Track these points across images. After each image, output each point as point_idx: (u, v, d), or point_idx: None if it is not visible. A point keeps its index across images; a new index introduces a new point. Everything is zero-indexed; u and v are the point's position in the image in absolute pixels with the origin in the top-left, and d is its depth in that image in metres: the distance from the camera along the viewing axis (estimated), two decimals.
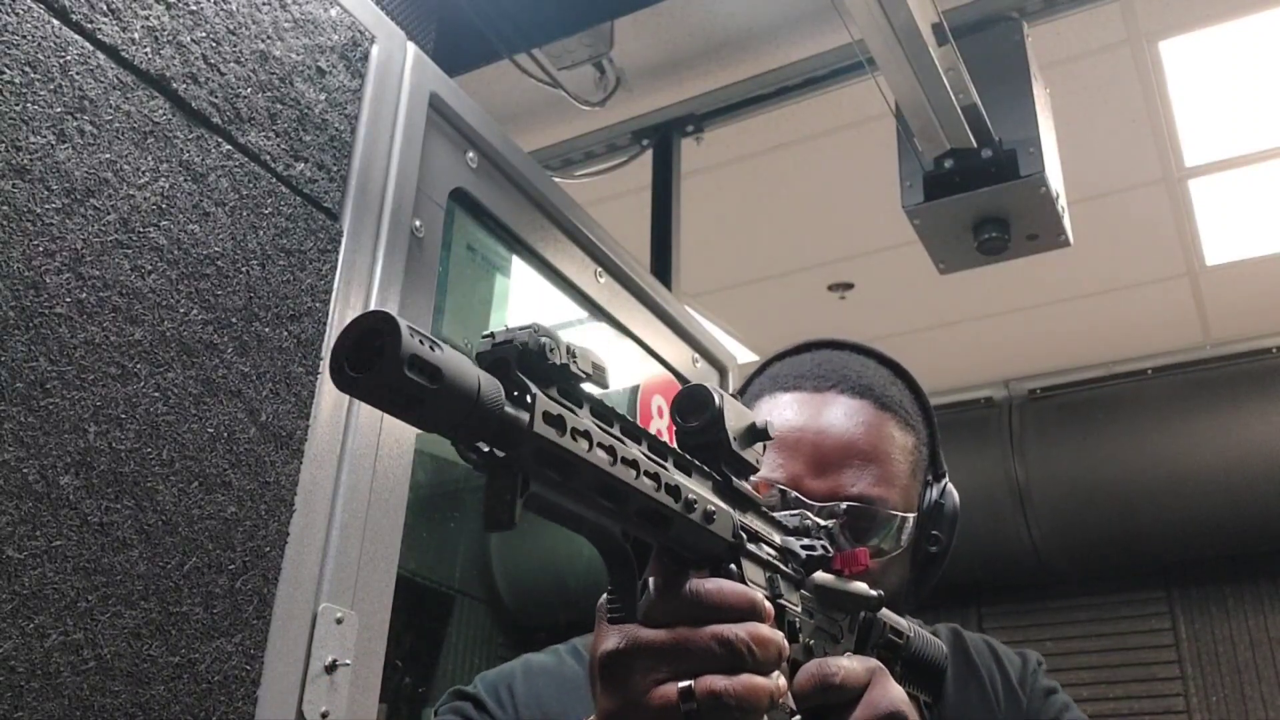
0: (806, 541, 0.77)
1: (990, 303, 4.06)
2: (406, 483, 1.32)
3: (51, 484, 0.92)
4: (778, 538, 0.75)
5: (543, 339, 0.53)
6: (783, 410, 1.02)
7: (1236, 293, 3.93)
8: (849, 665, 0.72)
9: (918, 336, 4.33)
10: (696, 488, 0.64)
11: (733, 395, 0.97)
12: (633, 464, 0.58)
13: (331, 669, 1.15)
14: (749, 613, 0.63)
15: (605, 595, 0.64)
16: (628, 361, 2.07)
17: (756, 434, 0.71)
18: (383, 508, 1.27)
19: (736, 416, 0.70)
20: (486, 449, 0.53)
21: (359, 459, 1.24)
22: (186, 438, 1.05)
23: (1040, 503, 4.24)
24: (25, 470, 0.90)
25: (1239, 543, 4.16)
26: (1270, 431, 3.89)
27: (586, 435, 0.55)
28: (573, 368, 0.54)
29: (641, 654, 0.62)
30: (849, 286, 3.98)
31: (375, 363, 0.47)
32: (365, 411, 1.26)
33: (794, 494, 0.96)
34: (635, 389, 2.08)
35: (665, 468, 0.62)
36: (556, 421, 0.53)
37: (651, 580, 0.63)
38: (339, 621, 1.17)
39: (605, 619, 0.64)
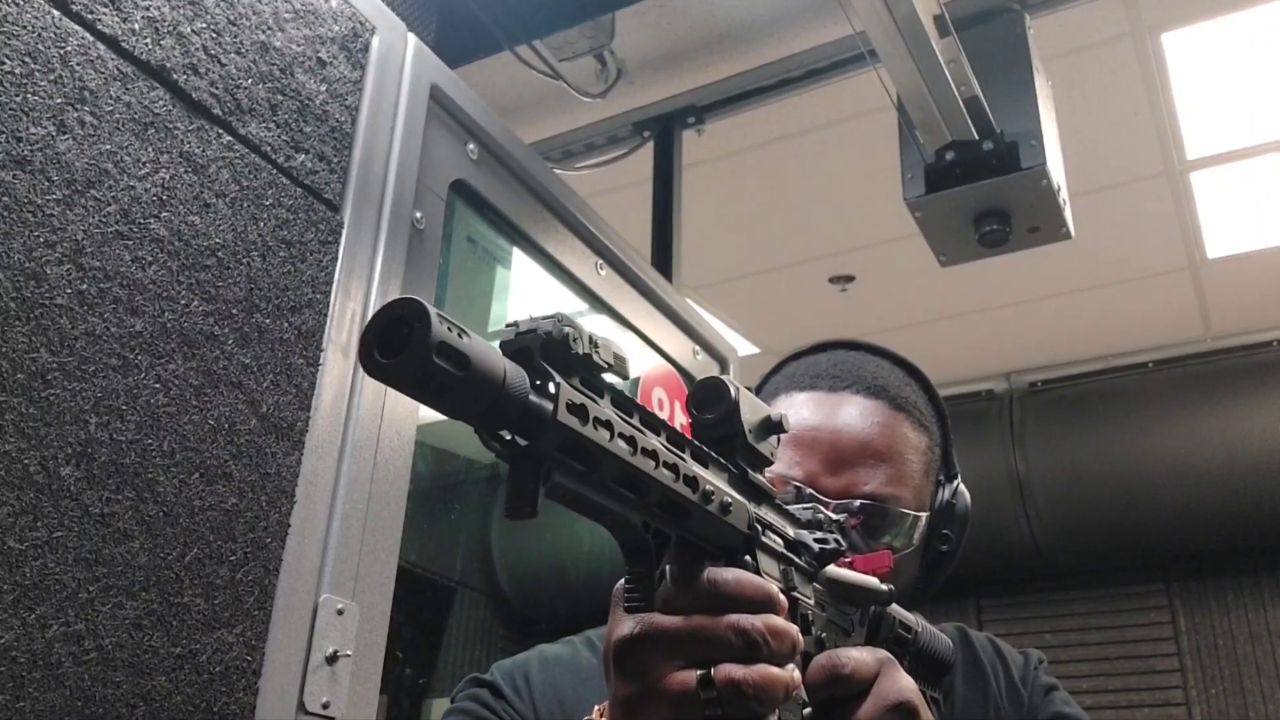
0: (819, 535, 0.77)
1: (991, 295, 4.06)
2: (407, 474, 1.32)
3: (53, 475, 0.92)
4: (791, 531, 0.75)
5: (566, 329, 0.54)
6: (799, 409, 1.03)
7: (1237, 286, 3.93)
8: (859, 656, 0.73)
9: (919, 329, 4.33)
10: (713, 479, 0.64)
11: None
12: (652, 454, 0.58)
13: (332, 660, 1.15)
14: (765, 604, 0.64)
15: (623, 583, 0.64)
16: (628, 354, 2.07)
17: (771, 426, 0.72)
18: (384, 499, 1.27)
19: (751, 409, 0.71)
20: (510, 437, 0.53)
21: (360, 450, 1.24)
22: (187, 429, 1.05)
23: (1040, 495, 4.24)
24: (26, 461, 0.90)
25: (1238, 536, 4.16)
26: (1270, 425, 3.89)
27: (608, 425, 0.55)
28: (595, 358, 0.55)
29: (659, 640, 0.62)
30: (850, 279, 3.98)
31: (404, 348, 0.47)
32: (366, 403, 1.27)
33: (809, 491, 0.97)
34: (636, 381, 2.08)
35: (683, 459, 0.62)
36: (579, 411, 0.53)
37: (669, 569, 0.63)
38: (340, 613, 1.17)
39: (622, 607, 0.64)
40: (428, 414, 1.41)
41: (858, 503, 0.96)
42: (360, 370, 1.27)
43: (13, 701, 0.85)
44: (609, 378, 0.58)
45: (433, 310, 0.48)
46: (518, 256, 1.79)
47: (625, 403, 0.59)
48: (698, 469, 0.63)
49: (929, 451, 1.04)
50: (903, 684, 0.73)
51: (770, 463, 0.72)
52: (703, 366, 2.24)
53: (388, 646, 1.23)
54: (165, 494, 1.01)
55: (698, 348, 2.23)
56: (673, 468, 0.60)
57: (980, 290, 3.98)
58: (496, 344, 0.54)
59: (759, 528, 0.69)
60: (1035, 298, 4.08)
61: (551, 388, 0.53)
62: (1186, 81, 2.94)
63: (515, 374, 0.51)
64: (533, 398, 0.52)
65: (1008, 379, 4.66)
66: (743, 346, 4.26)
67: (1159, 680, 4.43)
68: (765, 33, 2.63)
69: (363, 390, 1.27)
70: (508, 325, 0.54)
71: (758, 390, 1.12)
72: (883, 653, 0.75)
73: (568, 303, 1.92)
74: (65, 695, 0.89)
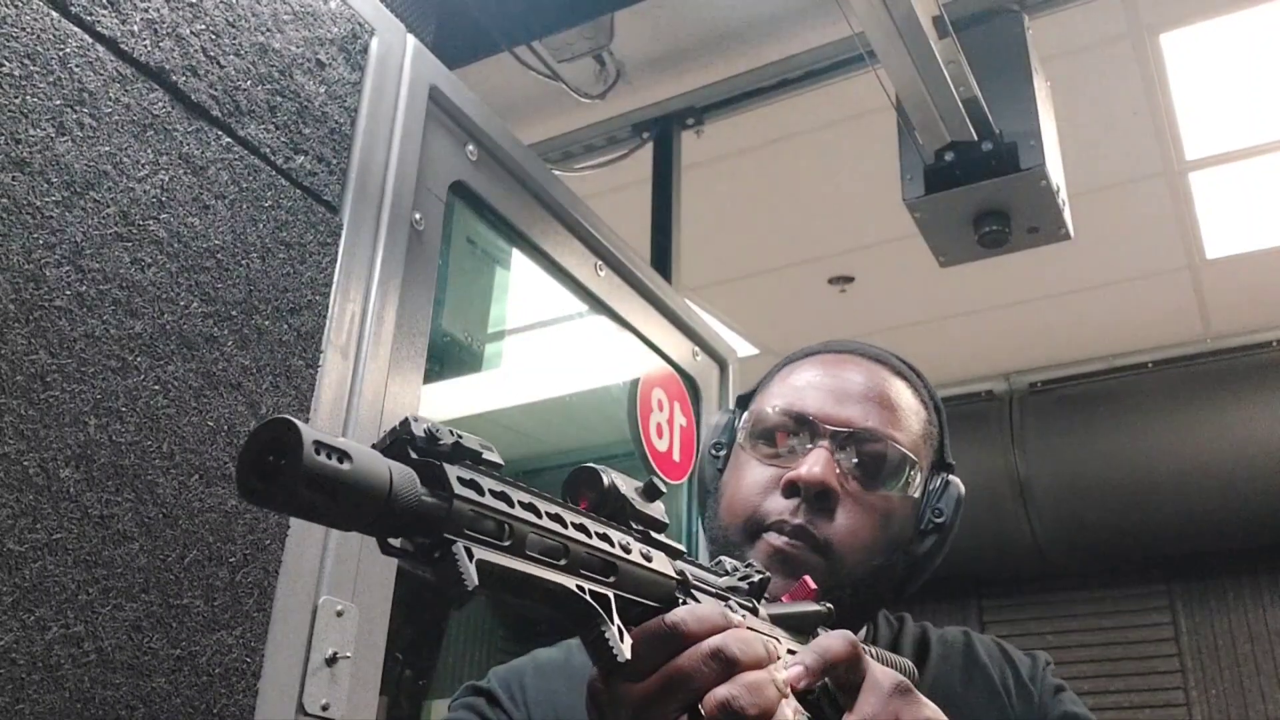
0: (742, 573, 0.78)
1: (991, 296, 4.06)
2: None
3: (52, 477, 0.92)
4: (715, 579, 0.75)
5: (425, 425, 0.55)
6: (803, 370, 1.06)
7: (1237, 286, 3.93)
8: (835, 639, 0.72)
9: (918, 329, 4.33)
10: (624, 535, 0.65)
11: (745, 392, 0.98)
12: (557, 518, 0.59)
13: (332, 661, 1.15)
14: (723, 625, 0.64)
15: (587, 655, 0.64)
16: (628, 355, 2.07)
17: (653, 490, 0.71)
18: None
19: (627, 481, 0.70)
20: (417, 539, 0.53)
21: None
22: (187, 430, 1.05)
23: (1041, 496, 4.24)
24: (26, 463, 0.90)
25: (1239, 536, 4.16)
26: (1270, 425, 3.89)
27: (504, 496, 0.56)
28: (464, 443, 0.55)
29: (640, 704, 0.62)
30: (849, 279, 3.98)
31: (277, 475, 0.47)
32: (365, 405, 1.27)
33: (810, 416, 0.99)
34: (635, 382, 2.08)
35: (588, 518, 0.62)
36: (472, 485, 0.54)
37: (624, 640, 0.63)
38: (340, 614, 1.17)
39: (594, 679, 0.64)
40: (427, 414, 1.40)
41: (858, 432, 0.98)
42: (360, 371, 1.27)
43: (12, 704, 0.85)
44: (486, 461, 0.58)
45: (308, 438, 0.47)
46: (517, 257, 1.79)
47: (507, 484, 0.59)
48: (606, 527, 0.63)
49: (928, 424, 1.06)
50: (887, 669, 0.73)
51: (665, 525, 0.71)
52: (702, 367, 2.24)
53: (387, 648, 1.23)
54: (165, 496, 1.01)
55: (697, 349, 2.23)
56: (581, 528, 0.60)
57: (980, 290, 3.98)
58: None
59: (687, 574, 0.69)
60: (1035, 298, 4.08)
61: (437, 473, 0.53)
62: (1185, 82, 2.94)
63: (403, 479, 0.52)
64: (422, 491, 0.52)
65: (1008, 379, 4.66)
66: (742, 347, 4.26)
67: (1160, 681, 4.43)
68: (764, 33, 2.63)
69: (362, 392, 1.27)
70: (373, 447, 0.54)
71: (759, 384, 1.13)
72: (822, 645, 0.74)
73: (567, 304, 1.92)
74: (65, 697, 0.89)
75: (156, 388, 1.02)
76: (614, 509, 0.67)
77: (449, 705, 1.03)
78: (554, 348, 2.16)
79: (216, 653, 1.03)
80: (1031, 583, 4.71)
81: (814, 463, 0.96)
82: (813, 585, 0.83)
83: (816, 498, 0.96)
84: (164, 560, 1.00)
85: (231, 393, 1.10)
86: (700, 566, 0.75)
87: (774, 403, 1.03)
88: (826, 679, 0.72)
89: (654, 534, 0.69)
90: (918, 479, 1.01)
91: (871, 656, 0.87)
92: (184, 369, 1.05)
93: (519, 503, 0.57)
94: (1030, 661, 1.08)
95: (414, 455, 0.54)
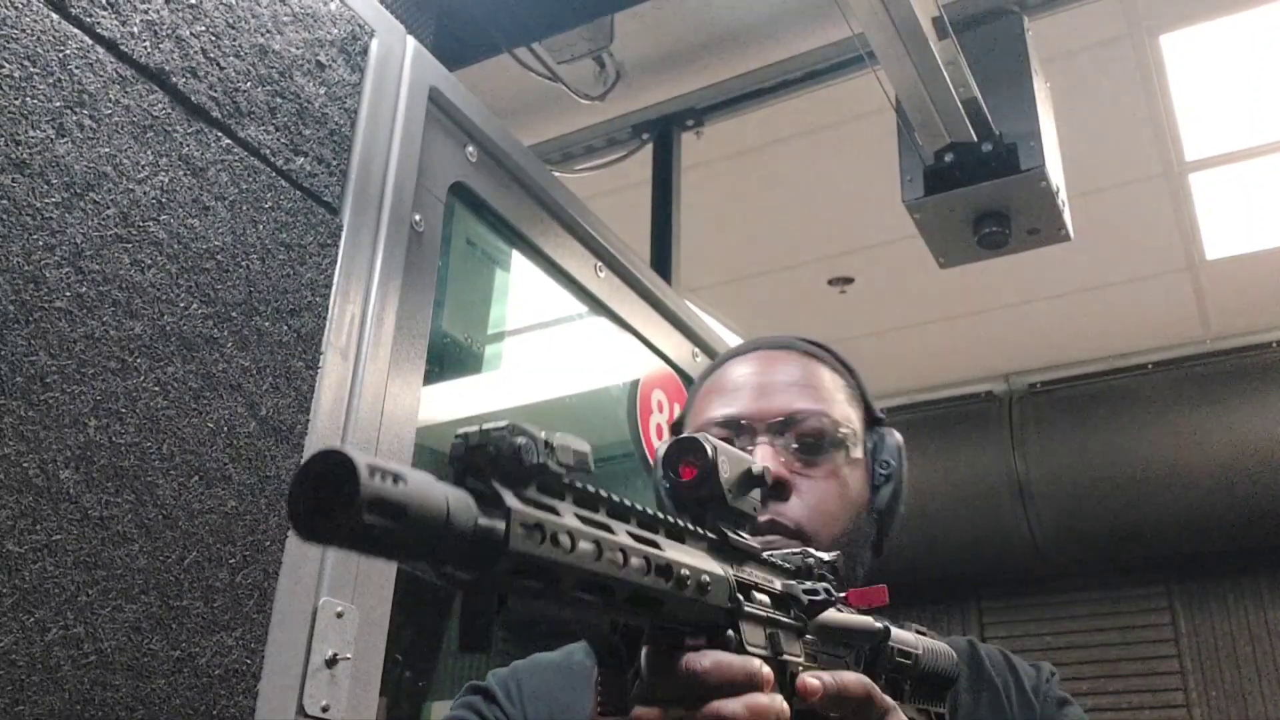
0: (808, 585, 0.76)
1: (991, 297, 4.05)
2: None
3: (52, 478, 0.92)
4: (778, 584, 0.74)
5: (518, 440, 0.51)
6: (722, 377, 1.12)
7: (1236, 287, 3.93)
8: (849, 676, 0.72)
9: (918, 330, 4.32)
10: (690, 559, 0.62)
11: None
12: (620, 551, 0.55)
13: (332, 663, 1.15)
14: (746, 685, 0.62)
15: (596, 684, 0.63)
16: (628, 356, 2.07)
17: (753, 480, 0.69)
18: None
19: (731, 464, 0.68)
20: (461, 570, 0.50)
21: None
22: (186, 432, 1.05)
23: (1040, 497, 4.24)
24: (25, 464, 0.90)
25: (1239, 537, 4.16)
26: (1270, 426, 3.89)
27: (569, 534, 0.52)
28: (551, 465, 0.52)
29: None
30: (849, 280, 3.98)
31: (335, 508, 0.44)
32: (366, 406, 1.27)
33: (742, 418, 1.03)
34: (635, 384, 2.08)
35: (656, 544, 0.59)
36: (534, 531, 0.50)
37: (645, 660, 0.61)
38: (339, 616, 1.17)
39: (598, 711, 0.63)
40: (427, 416, 1.41)
41: (792, 418, 1.02)
42: (360, 373, 1.27)
43: (12, 705, 0.85)
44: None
45: (360, 460, 0.44)
46: (517, 259, 1.79)
47: (590, 498, 0.56)
48: (673, 553, 0.60)
49: (849, 389, 1.12)
50: None
51: (754, 519, 0.71)
52: (702, 368, 2.24)
53: (387, 649, 1.23)
54: (164, 497, 1.01)
55: (697, 350, 2.23)
56: (644, 558, 0.57)
57: (980, 291, 3.98)
58: (449, 448, 0.52)
59: (741, 598, 0.67)
60: (1034, 299, 4.08)
61: (504, 508, 0.50)
62: (1185, 83, 2.94)
63: (459, 505, 0.48)
64: (482, 522, 0.48)
65: (1007, 380, 4.65)
66: None
67: (1160, 682, 4.43)
68: (764, 35, 2.63)
69: (362, 393, 1.27)
70: (457, 437, 0.51)
71: (685, 410, 1.17)
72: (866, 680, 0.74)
73: (567, 305, 1.92)
74: (64, 699, 0.89)
75: (156, 389, 1.02)
76: (705, 493, 0.66)
77: (451, 705, 1.04)
78: (554, 349, 2.16)
79: (216, 654, 1.03)
80: (1031, 583, 4.70)
81: (760, 459, 0.99)
82: (885, 598, 0.82)
83: (772, 490, 0.99)
84: (164, 562, 1.00)
85: (231, 394, 1.10)
86: (772, 563, 0.75)
87: (706, 416, 1.07)
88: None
89: (732, 537, 0.68)
90: (856, 441, 1.07)
91: (921, 649, 0.88)
92: (184, 370, 1.05)
93: (583, 539, 0.53)
94: (1035, 672, 1.08)
95: (492, 477, 0.51)
